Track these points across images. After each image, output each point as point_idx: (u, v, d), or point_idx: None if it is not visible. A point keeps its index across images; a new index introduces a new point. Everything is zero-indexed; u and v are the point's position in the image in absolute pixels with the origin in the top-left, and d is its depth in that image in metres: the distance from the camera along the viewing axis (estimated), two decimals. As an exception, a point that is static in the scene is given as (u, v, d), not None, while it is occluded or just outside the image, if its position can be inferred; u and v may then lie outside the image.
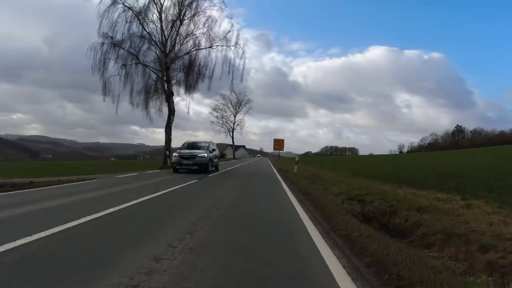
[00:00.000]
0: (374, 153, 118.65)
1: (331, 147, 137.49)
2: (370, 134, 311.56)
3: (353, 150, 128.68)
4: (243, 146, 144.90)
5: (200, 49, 21.80)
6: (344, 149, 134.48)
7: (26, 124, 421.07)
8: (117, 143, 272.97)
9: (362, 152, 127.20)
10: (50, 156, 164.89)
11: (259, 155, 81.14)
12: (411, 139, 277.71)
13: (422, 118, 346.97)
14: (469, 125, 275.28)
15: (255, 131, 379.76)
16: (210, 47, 21.58)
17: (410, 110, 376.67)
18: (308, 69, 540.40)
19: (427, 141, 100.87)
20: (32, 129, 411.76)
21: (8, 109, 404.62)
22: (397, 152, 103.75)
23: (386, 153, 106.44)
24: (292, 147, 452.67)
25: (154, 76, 22.02)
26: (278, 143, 30.20)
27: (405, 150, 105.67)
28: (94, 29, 20.11)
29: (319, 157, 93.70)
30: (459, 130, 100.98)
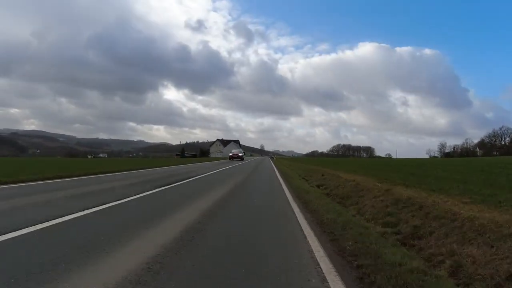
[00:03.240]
0: (392, 155, 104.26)
1: (343, 145, 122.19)
2: (368, 134, 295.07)
3: (369, 150, 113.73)
4: (237, 141, 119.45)
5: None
6: (358, 148, 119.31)
7: (25, 119, 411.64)
8: (116, 139, 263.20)
9: (378, 152, 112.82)
10: (39, 151, 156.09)
11: (233, 153, 42.07)
12: (410, 140, 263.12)
13: (419, 117, 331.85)
14: (467, 126, 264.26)
15: (251, 129, 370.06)
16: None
17: (406, 109, 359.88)
18: (298, 66, 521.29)
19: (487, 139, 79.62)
20: (31, 124, 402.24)
21: (4, 103, 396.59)
22: (434, 155, 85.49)
23: (420, 156, 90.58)
24: (293, 146, 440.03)
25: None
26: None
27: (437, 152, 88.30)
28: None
29: (341, 159, 76.09)
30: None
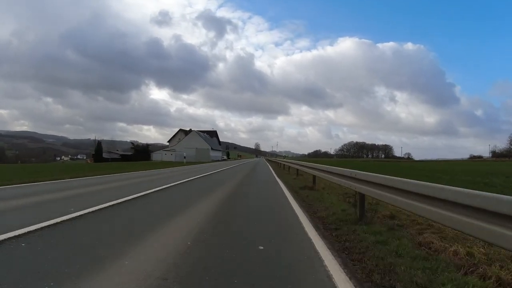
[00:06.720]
0: (414, 157, 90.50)
1: (356, 143, 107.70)
2: (359, 133, 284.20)
3: (386, 149, 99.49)
4: (213, 132, 79.87)
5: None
6: (374, 147, 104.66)
7: (15, 120, 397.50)
8: (107, 140, 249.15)
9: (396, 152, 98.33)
10: (17, 152, 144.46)
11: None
12: (403, 139, 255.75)
13: (408, 116, 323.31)
14: (457, 123, 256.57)
15: (242, 129, 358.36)
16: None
17: (394, 107, 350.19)
18: (280, 63, 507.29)
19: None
20: (22, 125, 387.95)
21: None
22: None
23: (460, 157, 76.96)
24: (287, 146, 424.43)
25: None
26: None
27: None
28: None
29: (378, 163, 40.83)
30: None
